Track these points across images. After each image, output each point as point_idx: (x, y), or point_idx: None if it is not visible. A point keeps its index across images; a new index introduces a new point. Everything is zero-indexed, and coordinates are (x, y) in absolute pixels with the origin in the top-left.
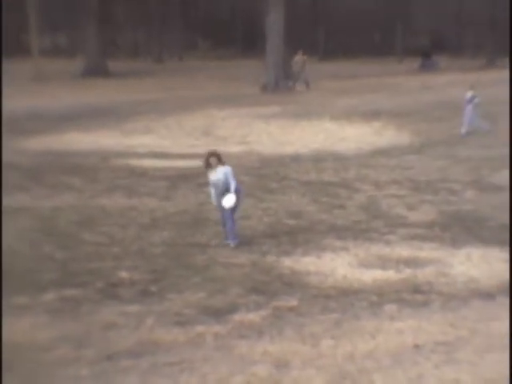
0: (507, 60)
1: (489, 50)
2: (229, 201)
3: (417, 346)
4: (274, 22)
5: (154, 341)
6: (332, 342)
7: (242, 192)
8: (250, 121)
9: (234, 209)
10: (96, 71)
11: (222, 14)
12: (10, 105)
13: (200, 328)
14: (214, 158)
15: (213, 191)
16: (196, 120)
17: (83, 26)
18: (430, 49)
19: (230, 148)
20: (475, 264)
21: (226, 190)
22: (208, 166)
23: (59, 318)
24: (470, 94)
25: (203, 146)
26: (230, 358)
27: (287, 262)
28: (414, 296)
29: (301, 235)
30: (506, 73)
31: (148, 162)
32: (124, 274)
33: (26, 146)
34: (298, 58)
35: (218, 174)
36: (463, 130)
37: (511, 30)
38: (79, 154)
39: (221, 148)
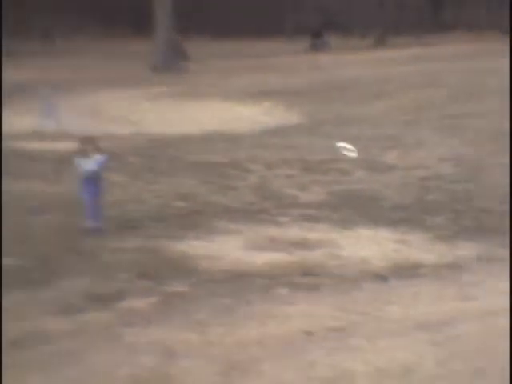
0: (397, 39)
1: (378, 28)
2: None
3: (308, 333)
4: (162, 0)
5: (38, 331)
6: (222, 329)
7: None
8: (139, 101)
9: (94, 193)
10: None
11: None
12: None
13: (86, 316)
14: (90, 145)
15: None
16: (84, 101)
17: None
18: (320, 28)
19: (119, 129)
20: (366, 245)
21: (94, 179)
22: (83, 153)
23: None
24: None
25: (91, 128)
26: (116, 348)
27: (177, 246)
28: (305, 279)
29: (191, 218)
30: (396, 51)
31: (33, 144)
32: (7, 261)
33: None
34: None
35: (92, 162)
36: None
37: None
38: None
39: (109, 129)
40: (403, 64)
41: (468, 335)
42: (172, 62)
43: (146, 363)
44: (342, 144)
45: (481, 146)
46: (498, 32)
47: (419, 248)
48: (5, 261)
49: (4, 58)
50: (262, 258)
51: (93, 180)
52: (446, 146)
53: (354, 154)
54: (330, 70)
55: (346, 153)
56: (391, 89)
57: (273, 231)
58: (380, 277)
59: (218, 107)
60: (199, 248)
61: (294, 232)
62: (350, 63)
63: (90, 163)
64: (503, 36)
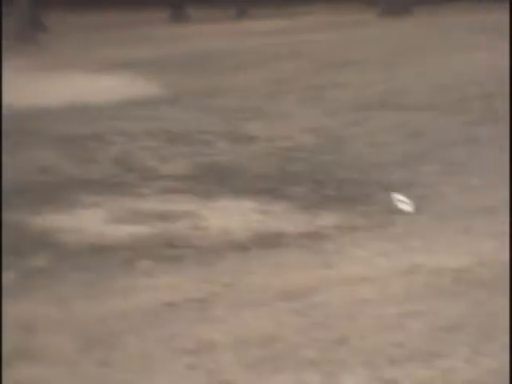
0: (259, 10)
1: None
2: None
3: (170, 304)
4: None
5: None
6: (83, 303)
7: None
8: None
9: None
10: None
11: None
12: None
13: None
14: None
15: None
16: None
17: None
18: None
19: None
20: (230, 216)
21: None
22: None
23: None
24: None
25: None
26: None
27: (36, 221)
28: (168, 251)
29: (51, 192)
30: (259, 23)
31: None
32: None
33: None
34: None
35: None
36: None
37: None
38: None
39: None
40: (265, 36)
41: (329, 303)
42: (30, 34)
43: (5, 340)
44: (396, 195)
45: (342, 117)
46: (363, 3)
47: (282, 218)
48: None
49: None
50: (125, 231)
51: None
52: (308, 117)
53: (408, 208)
54: (191, 42)
55: (400, 205)
56: (254, 60)
57: (135, 204)
58: (242, 247)
59: (78, 79)
60: (59, 222)
61: (157, 204)
62: (212, 34)
63: None
64: (368, 7)
